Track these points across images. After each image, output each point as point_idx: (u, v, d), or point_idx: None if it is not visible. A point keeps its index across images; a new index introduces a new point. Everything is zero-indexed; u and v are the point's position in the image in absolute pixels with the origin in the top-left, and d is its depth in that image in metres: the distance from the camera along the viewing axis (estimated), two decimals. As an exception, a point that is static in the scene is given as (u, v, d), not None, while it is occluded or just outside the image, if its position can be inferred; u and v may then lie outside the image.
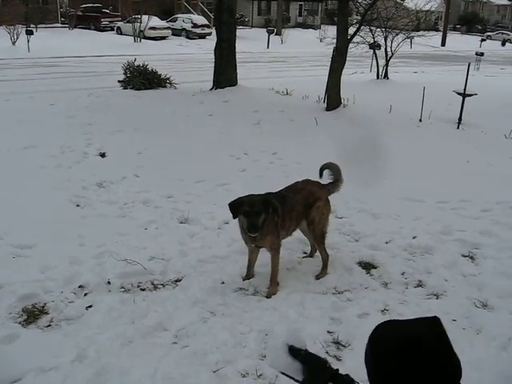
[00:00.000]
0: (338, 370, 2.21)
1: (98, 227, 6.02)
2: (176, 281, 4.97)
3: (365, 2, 18.00)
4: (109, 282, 4.84)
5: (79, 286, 4.77)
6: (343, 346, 4.07)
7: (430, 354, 1.65)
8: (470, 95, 12.20)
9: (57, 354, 3.85)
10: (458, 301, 4.76)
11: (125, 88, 15.23)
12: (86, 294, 4.68)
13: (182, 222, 6.28)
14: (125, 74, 15.47)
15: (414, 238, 6.07)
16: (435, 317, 1.80)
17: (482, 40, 48.71)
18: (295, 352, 2.21)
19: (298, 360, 2.20)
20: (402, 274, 5.26)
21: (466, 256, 5.68)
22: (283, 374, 2.23)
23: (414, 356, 1.65)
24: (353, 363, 3.81)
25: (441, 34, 49.64)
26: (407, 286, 5.04)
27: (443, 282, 5.11)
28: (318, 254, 5.34)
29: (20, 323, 4.25)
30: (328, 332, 4.22)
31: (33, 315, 4.36)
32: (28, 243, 5.54)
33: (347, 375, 2.20)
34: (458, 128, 11.73)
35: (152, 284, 4.91)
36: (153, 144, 9.44)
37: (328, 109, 12.57)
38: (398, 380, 1.67)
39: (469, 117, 12.00)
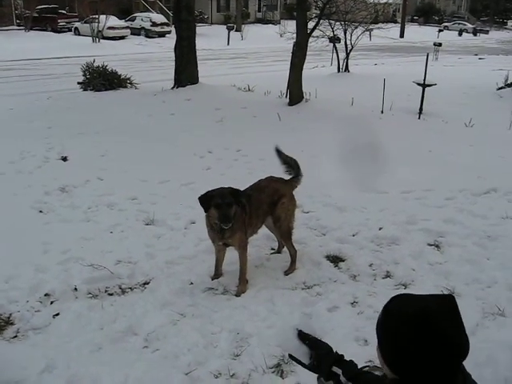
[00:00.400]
0: (342, 355, 2.28)
1: (62, 233, 5.91)
2: (144, 284, 4.91)
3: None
4: (75, 289, 4.75)
5: (45, 295, 4.67)
6: (314, 340, 4.07)
7: (441, 328, 1.75)
8: (429, 85, 12.35)
9: (24, 366, 3.76)
10: (426, 289, 4.80)
11: (85, 90, 15.01)
12: (52, 302, 4.59)
13: (147, 224, 6.21)
14: (84, 75, 15.24)
15: (380, 229, 6.13)
16: (450, 294, 1.91)
17: (440, 31, 49.64)
18: (303, 337, 2.30)
19: (305, 344, 2.29)
20: (370, 265, 5.30)
21: (431, 245, 5.76)
22: (290, 356, 2.33)
23: (424, 327, 1.74)
24: (324, 357, 3.83)
25: (399, 25, 50.34)
26: (375, 277, 5.08)
27: (411, 271, 5.17)
28: (285, 249, 5.34)
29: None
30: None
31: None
32: (-11, 251, 5.40)
33: (351, 361, 2.26)
34: (419, 118, 11.87)
35: (120, 288, 4.84)
36: (115, 146, 9.31)
37: (290, 104, 12.60)
38: (408, 349, 1.75)
39: (429, 107, 12.16)
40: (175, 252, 5.49)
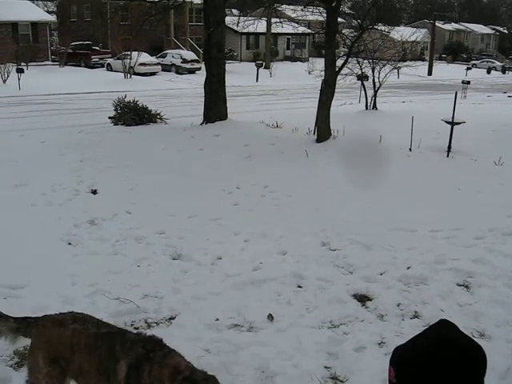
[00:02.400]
0: None
1: (90, 265, 5.97)
2: (170, 318, 4.91)
3: (351, 34, 18.31)
4: (102, 322, 4.77)
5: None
6: (341, 381, 4.01)
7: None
8: (458, 123, 12.29)
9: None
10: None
11: (115, 124, 15.27)
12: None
13: (174, 259, 6.24)
14: (115, 110, 15.53)
15: (408, 268, 6.06)
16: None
17: (468, 68, 49.59)
18: None
19: None
20: (398, 305, 5.23)
21: (460, 285, 5.66)
22: None
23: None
24: (351, 399, 3.77)
25: (427, 63, 50.48)
26: (403, 317, 5.00)
27: (439, 312, 5.07)
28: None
29: (11, 366, 4.16)
30: (325, 367, 4.16)
31: (25, 358, 4.27)
32: (20, 283, 5.47)
33: None
34: (447, 156, 11.79)
35: (146, 322, 4.85)
36: (144, 180, 9.43)
37: (318, 141, 12.64)
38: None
39: (458, 145, 12.08)
40: (202, 287, 5.49)
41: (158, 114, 15.70)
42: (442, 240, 6.96)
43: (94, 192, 8.90)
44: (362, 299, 5.33)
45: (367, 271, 5.94)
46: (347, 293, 5.43)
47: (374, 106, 20.22)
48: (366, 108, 20.18)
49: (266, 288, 5.49)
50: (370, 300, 5.32)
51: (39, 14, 45.27)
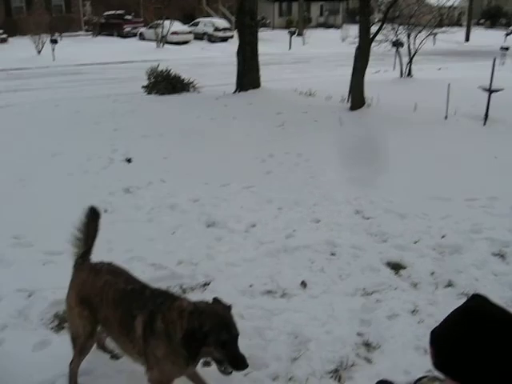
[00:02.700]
0: None
1: (126, 232, 6.07)
2: (204, 284, 4.99)
3: (386, 0, 17.93)
4: (138, 287, 4.87)
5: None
6: (373, 347, 4.04)
7: None
8: (496, 91, 11.99)
9: (89, 359, 3.88)
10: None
11: (149, 93, 15.33)
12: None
13: (208, 226, 6.31)
14: (148, 79, 15.57)
15: (442, 237, 6.01)
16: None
17: (507, 34, 48.00)
18: None
19: None
20: (432, 273, 5.20)
21: (496, 254, 5.60)
22: None
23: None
24: (383, 365, 3.80)
25: (464, 29, 49.13)
26: (437, 286, 4.98)
27: (474, 281, 5.04)
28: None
29: (52, 329, 4.30)
30: (358, 334, 4.19)
31: (64, 321, 4.39)
32: (58, 249, 5.57)
33: None
34: (484, 124, 11.55)
35: (181, 288, 4.93)
36: (178, 148, 9.49)
37: (352, 108, 12.50)
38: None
39: (495, 112, 11.80)
40: (235, 254, 5.55)
41: (191, 82, 15.70)
42: (478, 209, 6.87)
43: (129, 160, 9.00)
44: (396, 267, 5.32)
45: (401, 240, 5.91)
46: (380, 261, 5.42)
47: (409, 74, 19.85)
48: (401, 75, 19.82)
49: (299, 255, 5.52)
50: (404, 268, 5.30)
51: (72, -16, 45.36)
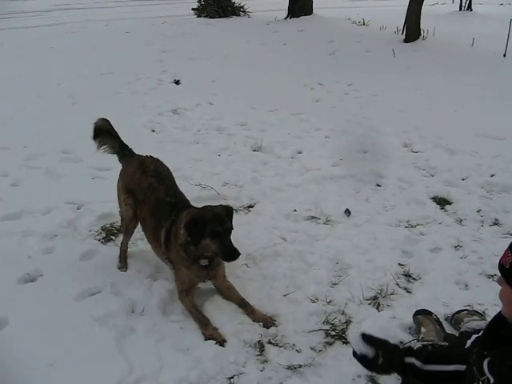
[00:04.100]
0: (410, 346, 2.32)
1: (173, 152, 6.11)
2: (249, 206, 5.03)
3: None
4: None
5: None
6: (414, 278, 4.03)
7: None
8: (561, 28, 11.40)
9: (133, 271, 4.02)
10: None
11: (199, 16, 15.15)
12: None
13: (255, 150, 6.31)
14: (199, 1, 15.34)
15: (492, 176, 5.84)
16: None
17: None
18: (368, 339, 2.40)
19: (371, 346, 2.39)
20: (478, 211, 5.09)
21: (547, 196, 5.45)
22: (356, 357, 2.44)
23: None
24: (422, 296, 3.80)
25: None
26: (483, 223, 4.89)
27: (521, 222, 4.94)
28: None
29: (99, 240, 4.43)
30: (399, 264, 4.19)
31: (111, 233, 4.53)
32: (106, 166, 5.67)
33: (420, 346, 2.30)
34: (545, 63, 11.05)
35: (226, 208, 4.98)
36: (227, 72, 9.41)
37: (406, 40, 12.09)
38: None
39: (558, 50, 11.26)
40: (281, 179, 5.55)
41: (242, 6, 15.40)
42: (532, 150, 6.64)
43: (177, 82, 8.99)
44: (442, 202, 5.23)
45: (449, 175, 5.79)
46: (427, 195, 5.33)
47: (469, 7, 18.96)
48: (460, 9, 18.96)
49: (344, 184, 5.48)
50: (450, 204, 5.21)
51: None
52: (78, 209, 4.88)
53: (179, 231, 3.52)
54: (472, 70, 10.08)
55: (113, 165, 5.65)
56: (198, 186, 5.27)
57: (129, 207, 3.98)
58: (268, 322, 3.52)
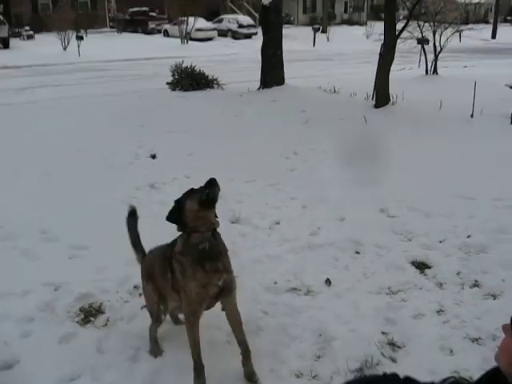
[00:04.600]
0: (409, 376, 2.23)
1: (151, 228, 6.05)
2: (229, 281, 5.00)
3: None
4: (162, 283, 4.90)
5: (134, 287, 4.84)
6: (398, 347, 4.01)
7: None
8: (524, 88, 11.86)
9: (114, 354, 3.93)
10: (517, 301, 4.64)
11: (173, 89, 15.44)
12: (140, 295, 4.75)
13: (233, 222, 6.31)
14: (173, 75, 15.68)
15: (468, 236, 5.93)
16: None
17: (535, 31, 47.34)
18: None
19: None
20: (458, 273, 5.14)
21: (523, 255, 5.52)
22: None
23: None
24: (408, 364, 3.77)
25: (491, 26, 48.49)
26: (463, 286, 4.92)
27: (500, 282, 4.97)
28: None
29: (78, 322, 4.35)
30: (382, 333, 4.16)
31: (90, 314, 4.46)
32: (83, 244, 5.67)
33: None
34: (511, 123, 11.41)
35: (205, 284, 4.94)
36: (203, 145, 9.53)
37: (377, 106, 12.44)
38: None
39: (523, 111, 11.65)
40: (260, 251, 5.55)
41: (215, 79, 15.76)
42: (505, 209, 6.75)
43: (154, 156, 9.06)
44: (421, 266, 5.27)
45: (426, 238, 5.86)
46: (406, 259, 5.37)
47: (435, 71, 19.67)
48: (427, 73, 19.65)
49: (323, 253, 5.50)
50: (429, 267, 5.25)
51: (97, -19, 45.80)
52: (55, 290, 4.80)
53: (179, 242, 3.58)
54: (442, 132, 10.37)
55: (90, 243, 5.67)
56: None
57: (152, 293, 3.97)
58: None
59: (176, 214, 3.46)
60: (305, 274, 5.07)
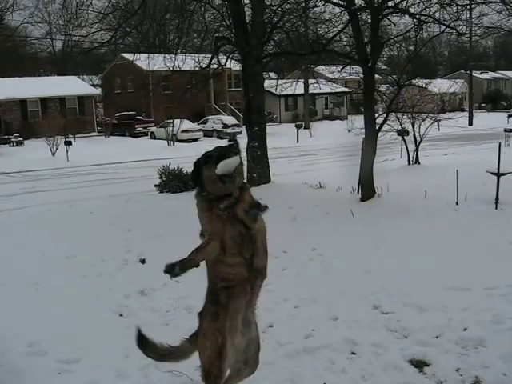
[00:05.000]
0: None
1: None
2: (224, 387, 4.84)
3: (388, 91, 18.48)
4: (155, 397, 4.75)
5: (126, 402, 4.69)
6: None
7: None
8: (504, 174, 12.12)
9: None
10: (520, 397, 4.52)
11: (161, 192, 15.58)
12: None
13: (225, 328, 6.20)
14: (160, 177, 15.87)
15: (464, 329, 5.86)
16: None
17: (509, 116, 49.12)
18: None
19: None
20: (457, 370, 5.03)
21: (522, 346, 5.44)
22: None
23: None
24: None
25: (467, 113, 50.25)
26: (464, 383, 4.82)
27: (502, 376, 4.87)
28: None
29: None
30: None
31: None
32: (73, 357, 5.51)
33: None
34: (496, 208, 11.58)
35: (199, 397, 4.79)
36: (192, 247, 9.46)
37: (363, 199, 12.62)
38: None
39: (506, 196, 11.86)
40: (255, 358, 5.42)
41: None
42: (498, 298, 6.72)
43: (143, 261, 9.00)
44: (419, 365, 5.16)
45: (422, 335, 5.76)
46: (403, 358, 5.26)
47: (417, 161, 20.16)
48: (409, 163, 20.13)
49: (319, 356, 5.37)
50: (428, 365, 5.14)
51: (85, 88, 47.45)
52: (43, 410, 4.62)
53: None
54: (429, 221, 10.49)
55: (80, 356, 5.52)
56: (169, 372, 5.10)
57: None
58: None
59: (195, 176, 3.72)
60: (302, 380, 4.93)
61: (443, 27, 13.48)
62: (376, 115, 13.98)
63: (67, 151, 29.28)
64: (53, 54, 72.32)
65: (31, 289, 7.78)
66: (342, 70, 17.53)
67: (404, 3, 12.83)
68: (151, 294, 7.43)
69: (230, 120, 44.14)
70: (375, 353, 5.39)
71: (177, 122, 37.22)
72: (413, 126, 20.14)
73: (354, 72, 17.90)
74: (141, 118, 46.29)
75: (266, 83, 20.57)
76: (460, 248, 8.78)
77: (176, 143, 36.95)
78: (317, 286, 7.34)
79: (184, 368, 5.14)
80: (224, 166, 3.55)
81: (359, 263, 8.18)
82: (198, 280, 7.82)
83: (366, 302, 6.72)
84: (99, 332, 6.15)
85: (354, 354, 5.45)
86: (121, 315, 6.75)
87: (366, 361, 5.23)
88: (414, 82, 18.21)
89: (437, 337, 5.73)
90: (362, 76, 14.05)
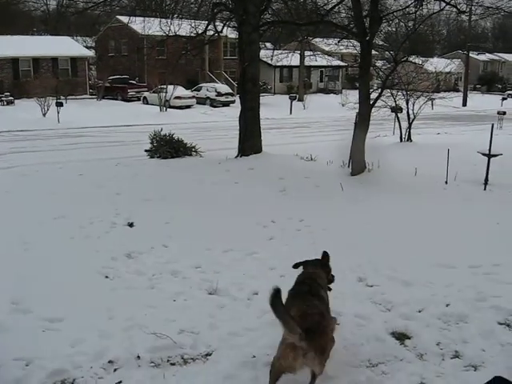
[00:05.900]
0: None
1: (127, 299, 5.99)
2: (206, 355, 4.88)
3: (385, 67, 18.38)
4: (138, 357, 4.77)
5: (109, 361, 4.70)
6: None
7: None
8: (495, 155, 12.16)
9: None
10: (498, 372, 4.57)
11: (151, 157, 15.50)
12: (115, 370, 4.61)
13: (210, 293, 6.22)
14: (151, 143, 15.78)
15: (447, 305, 5.92)
16: None
17: (503, 99, 49.14)
18: None
19: None
20: (438, 344, 5.10)
21: (502, 324, 5.50)
22: None
23: None
24: None
25: (461, 94, 50.18)
26: (443, 357, 4.87)
27: (481, 352, 4.94)
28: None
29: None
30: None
31: (63, 391, 4.31)
32: (57, 316, 5.52)
33: None
34: (484, 189, 11.65)
35: (182, 358, 4.83)
36: (180, 213, 9.49)
37: (353, 174, 12.63)
38: None
39: (495, 177, 11.93)
40: (238, 323, 5.44)
41: (193, 146, 15.89)
42: (482, 276, 6.79)
43: (131, 225, 9.00)
44: (401, 337, 5.22)
45: (406, 308, 5.82)
46: (386, 331, 5.32)
47: (409, 138, 20.18)
48: (401, 140, 20.14)
49: (302, 324, 5.42)
50: (409, 338, 5.21)
51: (78, 50, 46.69)
52: (26, 365, 4.62)
53: None
54: (418, 199, 10.52)
55: (65, 315, 5.53)
56: (153, 334, 5.12)
57: None
58: None
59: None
60: (284, 347, 4.96)
61: (443, 4, 13.35)
62: (371, 90, 13.90)
63: (58, 112, 28.96)
64: (47, 12, 71.08)
65: (20, 248, 7.74)
66: (339, 42, 17.37)
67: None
68: (138, 257, 7.43)
69: (223, 88, 43.82)
70: (358, 324, 5.45)
71: (170, 87, 36.89)
72: (407, 103, 20.09)
73: (351, 45, 17.74)
74: (134, 82, 45.75)
75: (262, 53, 20.40)
76: (447, 226, 8.84)
77: (168, 109, 36.68)
78: (303, 257, 7.33)
79: (168, 331, 5.17)
80: None
81: (346, 236, 8.22)
82: (184, 245, 7.90)
83: (351, 274, 6.77)
84: (84, 293, 6.16)
85: (337, 324, 5.48)
86: (106, 277, 6.75)
87: (348, 331, 5.27)
88: (410, 58, 18.11)
89: (420, 311, 5.79)
90: (358, 50, 13.94)
